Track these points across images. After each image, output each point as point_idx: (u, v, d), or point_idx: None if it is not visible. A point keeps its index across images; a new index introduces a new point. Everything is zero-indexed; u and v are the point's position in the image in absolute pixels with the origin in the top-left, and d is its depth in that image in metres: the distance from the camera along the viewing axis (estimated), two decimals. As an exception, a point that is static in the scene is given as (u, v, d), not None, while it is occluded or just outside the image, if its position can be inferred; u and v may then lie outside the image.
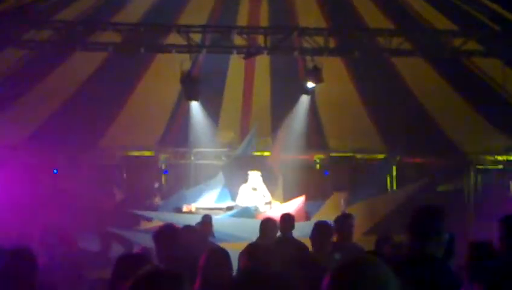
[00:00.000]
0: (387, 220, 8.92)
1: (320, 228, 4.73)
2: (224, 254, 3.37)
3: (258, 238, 5.41)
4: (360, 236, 7.51)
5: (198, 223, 6.97)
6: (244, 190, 10.33)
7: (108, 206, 10.44)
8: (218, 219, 8.53)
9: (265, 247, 3.73)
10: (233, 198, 10.40)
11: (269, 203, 10.14)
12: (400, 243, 4.06)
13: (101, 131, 11.81)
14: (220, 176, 11.04)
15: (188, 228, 5.13)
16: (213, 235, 6.85)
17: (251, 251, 3.33)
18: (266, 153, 12.31)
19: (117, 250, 7.73)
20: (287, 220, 5.77)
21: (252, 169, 10.54)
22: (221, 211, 9.59)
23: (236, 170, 10.99)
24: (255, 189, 10.28)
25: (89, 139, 11.47)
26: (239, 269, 3.39)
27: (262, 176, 10.46)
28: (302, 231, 5.79)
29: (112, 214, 9.86)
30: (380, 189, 11.16)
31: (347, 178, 11.87)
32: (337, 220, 5.05)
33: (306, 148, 12.21)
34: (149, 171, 12.25)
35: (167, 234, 3.99)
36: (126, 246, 8.11)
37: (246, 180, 10.34)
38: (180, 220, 7.36)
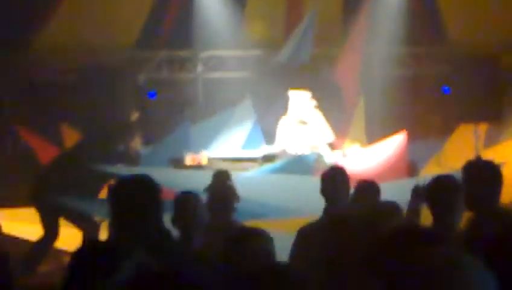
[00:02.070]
0: None
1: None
2: (263, 244, 3.61)
3: (325, 211, 5.69)
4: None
5: (208, 189, 6.92)
6: (284, 126, 10.64)
7: (50, 157, 10.24)
8: (250, 177, 8.95)
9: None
10: (272, 139, 10.78)
11: (333, 145, 10.56)
12: None
13: (36, 22, 12.13)
14: (248, 103, 11.32)
15: (188, 196, 5.08)
16: (234, 209, 6.70)
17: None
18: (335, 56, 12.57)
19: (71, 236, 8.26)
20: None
21: (298, 87, 10.81)
22: (254, 164, 9.86)
23: (277, 88, 11.26)
24: (302, 122, 10.60)
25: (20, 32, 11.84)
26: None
27: (320, 99, 10.74)
28: (404, 195, 5.85)
29: (58, 172, 9.57)
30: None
31: (484, 97, 11.32)
32: (467, 171, 4.83)
33: (407, 43, 12.46)
34: (121, 93, 11.85)
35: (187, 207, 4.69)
36: (86, 229, 8.68)
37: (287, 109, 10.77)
38: (179, 182, 7.87)
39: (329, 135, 10.56)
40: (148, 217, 3.95)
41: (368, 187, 6.41)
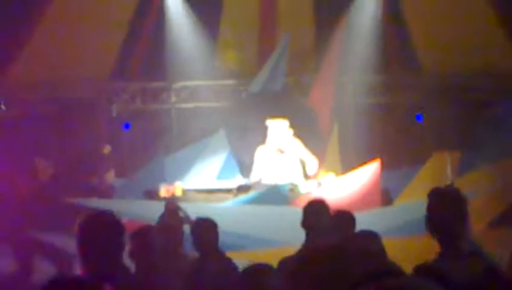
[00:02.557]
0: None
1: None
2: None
3: (305, 242, 5.59)
4: (484, 228, 7.91)
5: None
6: (262, 155, 10.56)
7: (27, 192, 10.30)
8: (224, 207, 8.93)
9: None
10: (247, 170, 10.75)
11: (315, 176, 10.45)
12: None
13: (8, 53, 12.17)
14: (222, 134, 11.33)
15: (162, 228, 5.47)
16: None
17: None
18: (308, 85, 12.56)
19: (46, 270, 7.89)
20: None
21: (281, 115, 10.75)
22: (229, 195, 9.81)
23: (251, 117, 11.31)
24: (280, 151, 10.52)
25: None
26: None
27: (297, 126, 10.70)
28: (377, 225, 5.94)
29: (34, 205, 9.72)
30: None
31: (456, 125, 11.51)
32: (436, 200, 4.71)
33: (380, 72, 12.49)
34: (95, 126, 12.07)
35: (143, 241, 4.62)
36: (60, 263, 8.35)
37: (264, 138, 10.69)
38: (153, 214, 7.75)
39: (313, 162, 10.53)
40: (111, 254, 4.05)
41: (344, 217, 6.39)
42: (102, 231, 4.06)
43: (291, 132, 10.58)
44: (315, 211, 5.76)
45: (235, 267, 4.92)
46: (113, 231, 4.08)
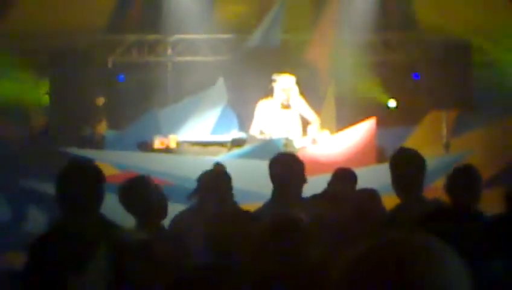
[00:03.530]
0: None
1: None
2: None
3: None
4: None
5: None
6: (265, 109, 10.61)
7: (18, 139, 10.59)
8: (219, 161, 8.65)
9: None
10: (243, 124, 10.85)
11: (313, 131, 10.52)
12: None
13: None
14: (220, 85, 11.28)
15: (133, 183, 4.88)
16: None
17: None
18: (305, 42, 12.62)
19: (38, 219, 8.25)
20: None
21: (279, 71, 10.76)
22: (223, 148, 9.90)
23: (249, 72, 11.32)
24: (286, 106, 10.52)
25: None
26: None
27: (298, 83, 10.70)
28: (372, 182, 5.95)
29: (25, 154, 9.88)
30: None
31: (454, 84, 11.30)
32: (394, 159, 5.21)
33: (378, 30, 12.43)
34: (88, 76, 11.66)
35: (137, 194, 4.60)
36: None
37: (267, 92, 10.68)
38: (147, 165, 7.96)
39: (316, 122, 10.56)
40: (89, 204, 4.07)
41: (346, 174, 6.35)
42: (81, 180, 4.08)
43: (297, 88, 10.61)
44: (284, 164, 5.59)
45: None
46: (92, 180, 4.10)
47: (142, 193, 4.63)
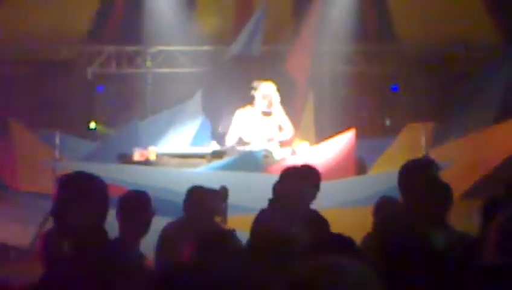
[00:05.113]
0: (503, 170, 8.91)
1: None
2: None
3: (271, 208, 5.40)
4: (457, 198, 7.43)
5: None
6: (244, 117, 10.53)
7: None
8: (197, 173, 8.97)
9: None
10: (219, 137, 10.73)
11: (289, 143, 10.53)
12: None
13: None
14: (199, 97, 11.30)
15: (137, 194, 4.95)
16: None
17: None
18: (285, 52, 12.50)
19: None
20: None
21: (259, 79, 10.77)
22: (203, 160, 9.88)
23: (228, 82, 11.45)
24: (267, 114, 10.46)
25: None
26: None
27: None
28: (351, 194, 6.31)
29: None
30: (491, 114, 10.81)
31: (431, 96, 11.52)
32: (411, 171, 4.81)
33: (357, 41, 12.43)
34: (69, 88, 11.93)
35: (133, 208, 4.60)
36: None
37: (247, 101, 10.61)
38: (126, 178, 7.93)
39: (290, 130, 10.56)
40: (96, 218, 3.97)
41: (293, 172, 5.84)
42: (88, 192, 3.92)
43: (278, 95, 10.58)
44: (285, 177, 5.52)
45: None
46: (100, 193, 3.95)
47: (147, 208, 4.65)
